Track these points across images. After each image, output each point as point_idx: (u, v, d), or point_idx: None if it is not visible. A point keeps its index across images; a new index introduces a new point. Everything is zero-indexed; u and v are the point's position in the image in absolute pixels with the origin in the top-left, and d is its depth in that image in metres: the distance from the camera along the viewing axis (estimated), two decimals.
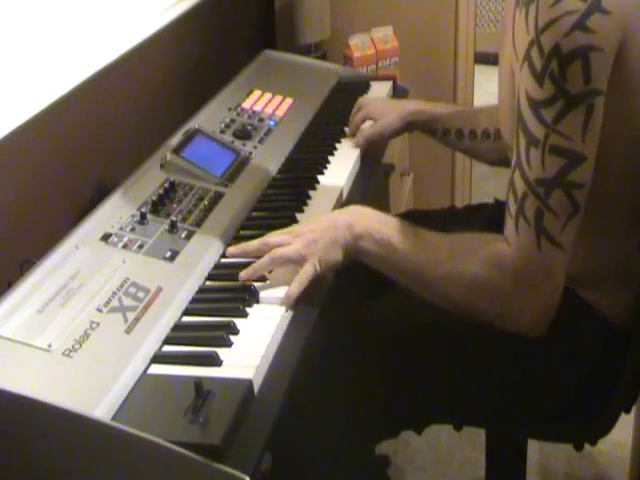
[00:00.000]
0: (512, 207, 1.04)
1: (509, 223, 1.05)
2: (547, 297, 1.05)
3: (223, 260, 1.21)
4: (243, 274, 1.13)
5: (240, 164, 1.44)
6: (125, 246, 1.16)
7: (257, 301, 1.11)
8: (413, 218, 1.54)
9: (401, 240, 1.12)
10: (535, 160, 1.00)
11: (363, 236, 1.14)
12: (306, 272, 1.12)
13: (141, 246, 1.16)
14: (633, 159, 1.08)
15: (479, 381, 1.20)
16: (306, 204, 1.37)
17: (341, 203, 1.39)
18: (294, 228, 1.20)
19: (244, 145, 1.51)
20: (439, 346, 1.21)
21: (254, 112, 1.65)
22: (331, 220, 1.18)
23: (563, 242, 1.02)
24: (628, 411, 1.26)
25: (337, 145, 1.61)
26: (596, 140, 1.00)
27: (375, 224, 1.15)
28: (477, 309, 1.09)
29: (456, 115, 1.56)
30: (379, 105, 1.66)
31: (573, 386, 1.19)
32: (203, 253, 1.19)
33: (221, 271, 1.19)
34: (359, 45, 2.19)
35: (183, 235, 1.21)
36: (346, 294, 1.34)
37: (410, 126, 1.60)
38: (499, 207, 1.27)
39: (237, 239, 1.26)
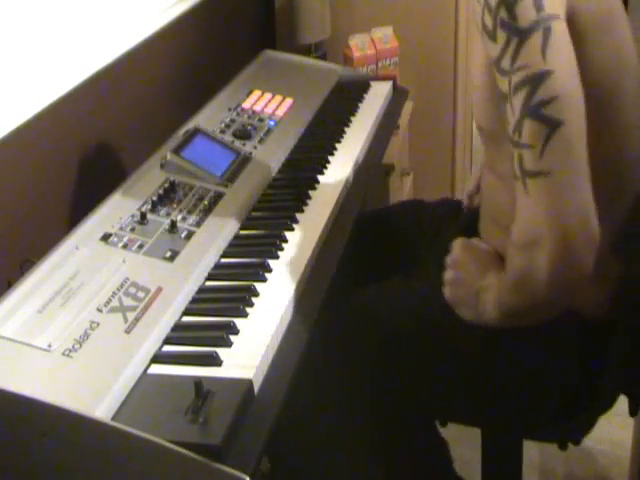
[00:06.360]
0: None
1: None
2: (554, 247, 0.92)
3: (223, 260, 1.21)
4: None
5: (240, 164, 1.44)
6: (125, 246, 1.16)
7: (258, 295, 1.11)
8: (412, 208, 1.54)
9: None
10: (510, 116, 0.93)
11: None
12: None
13: (141, 246, 1.16)
14: (598, 133, 0.98)
15: (464, 381, 1.20)
16: (306, 204, 1.37)
17: (340, 203, 1.39)
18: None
19: (244, 145, 1.51)
20: (424, 348, 1.20)
21: (254, 112, 1.65)
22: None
23: (545, 166, 0.91)
24: (634, 414, 1.25)
25: (337, 145, 1.61)
26: (563, 55, 0.92)
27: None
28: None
29: None
30: None
31: (555, 385, 1.18)
32: (203, 253, 1.19)
33: (221, 271, 1.18)
34: (359, 45, 2.19)
35: (183, 235, 1.21)
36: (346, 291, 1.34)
37: None
38: None
39: (237, 239, 1.27)
